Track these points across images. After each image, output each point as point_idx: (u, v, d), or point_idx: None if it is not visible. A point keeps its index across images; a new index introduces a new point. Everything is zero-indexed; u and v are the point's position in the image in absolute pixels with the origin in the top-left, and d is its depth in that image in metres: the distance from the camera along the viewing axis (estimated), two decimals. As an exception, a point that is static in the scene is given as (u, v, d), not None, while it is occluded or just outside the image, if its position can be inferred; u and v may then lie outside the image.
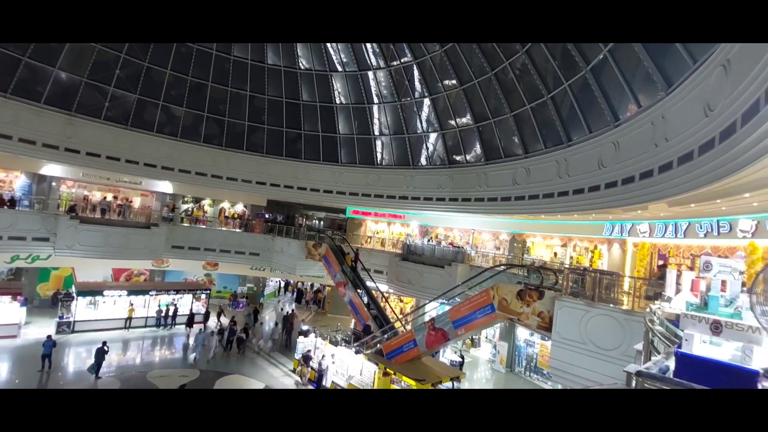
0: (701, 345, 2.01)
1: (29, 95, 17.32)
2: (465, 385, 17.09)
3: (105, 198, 21.50)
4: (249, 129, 23.40)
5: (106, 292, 19.56)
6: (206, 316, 22.03)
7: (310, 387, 15.11)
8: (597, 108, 12.96)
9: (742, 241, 10.59)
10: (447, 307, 13.90)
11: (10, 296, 17.12)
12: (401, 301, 24.31)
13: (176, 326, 20.87)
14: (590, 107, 13.35)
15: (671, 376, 1.55)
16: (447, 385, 15.30)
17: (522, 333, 18.92)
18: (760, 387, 1.40)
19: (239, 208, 26.42)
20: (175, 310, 21.11)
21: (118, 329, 19.14)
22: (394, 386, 13.94)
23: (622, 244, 15.26)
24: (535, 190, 15.77)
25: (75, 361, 15.75)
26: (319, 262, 20.63)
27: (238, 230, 24.46)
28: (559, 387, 14.17)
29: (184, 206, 24.90)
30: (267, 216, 25.52)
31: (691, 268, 11.24)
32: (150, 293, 20.86)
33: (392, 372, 13.83)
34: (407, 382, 13.33)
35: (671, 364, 1.61)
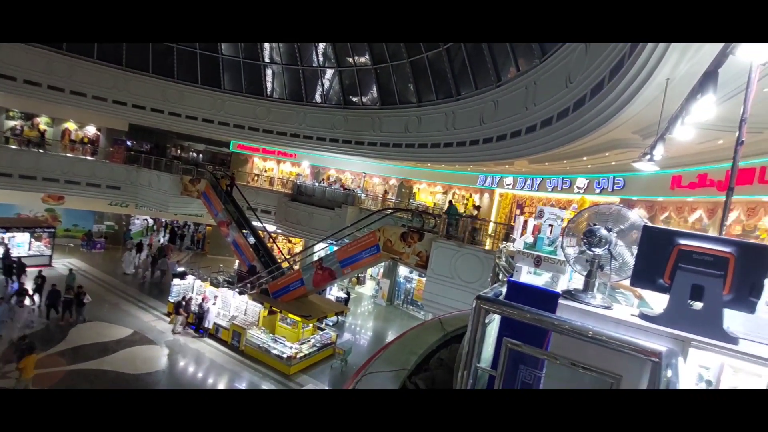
0: (527, 275, 2.49)
1: None
2: (349, 318, 18.39)
3: None
4: (102, 32, 18.79)
5: None
6: (20, 267, 16.28)
7: (189, 332, 14.37)
8: (484, 67, 13.82)
9: (577, 196, 13.05)
10: (335, 248, 14.31)
11: None
12: (290, 241, 24.13)
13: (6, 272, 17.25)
14: (479, 64, 14.16)
15: (503, 299, 1.85)
16: (332, 319, 16.24)
17: (403, 271, 20.77)
18: (559, 305, 1.77)
19: (91, 130, 21.86)
20: (6, 252, 17.30)
21: None
22: (280, 324, 14.20)
23: (491, 193, 17.40)
24: (425, 140, 16.59)
25: None
26: (197, 200, 18.83)
27: (89, 158, 20.43)
28: (431, 316, 16.22)
29: (10, 123, 19.57)
30: (129, 144, 21.79)
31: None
32: (-36, 231, 16.56)
33: (278, 310, 14.00)
34: (293, 319, 13.70)
35: (504, 289, 1.95)
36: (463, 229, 11.40)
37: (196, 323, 14.42)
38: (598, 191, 11.89)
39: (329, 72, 20.11)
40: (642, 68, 5.26)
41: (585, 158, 10.26)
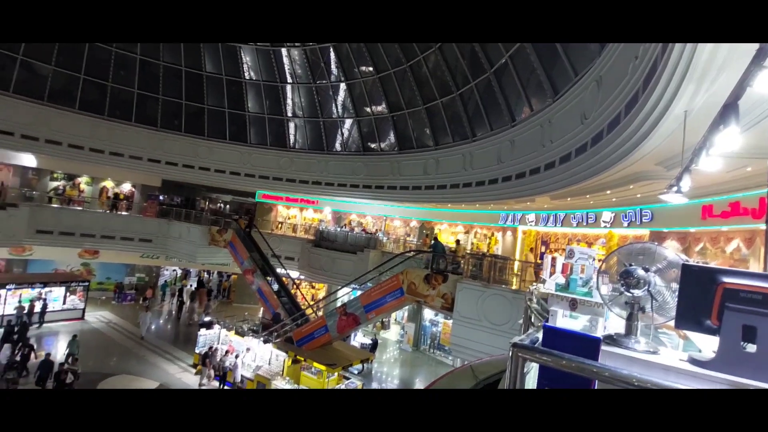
0: (563, 318, 2.40)
1: None
2: (375, 365, 17.78)
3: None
4: (139, 98, 20.53)
5: (-60, 288, 15.78)
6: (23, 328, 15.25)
7: (214, 384, 14.16)
8: (498, 108, 14.19)
9: (604, 230, 12.70)
10: (359, 293, 14.18)
11: None
12: (313, 287, 24.10)
13: (45, 324, 17.82)
14: (492, 106, 14.55)
15: (540, 346, 1.79)
16: (357, 367, 15.75)
17: (428, 314, 20.23)
18: (601, 351, 1.70)
19: (126, 187, 23.24)
20: (44, 306, 17.95)
21: (-41, 332, 15.61)
22: (304, 373, 13.86)
23: (513, 231, 17.14)
24: (443, 181, 16.78)
25: None
26: (224, 249, 19.31)
27: (124, 213, 21.55)
28: (459, 362, 15.52)
29: (54, 183, 21.08)
30: (162, 198, 22.94)
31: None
32: (7, 287, 17.39)
33: (302, 359, 13.73)
34: (318, 368, 13.36)
35: (540, 335, 1.88)
36: (488, 268, 11.16)
37: (221, 376, 14.22)
38: (625, 224, 11.55)
39: (348, 122, 21.03)
40: (658, 102, 5.29)
41: (609, 192, 10.09)
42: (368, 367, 17.19)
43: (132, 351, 16.44)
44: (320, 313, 15.73)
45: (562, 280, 3.22)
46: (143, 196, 22.98)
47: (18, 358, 13.41)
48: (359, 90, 19.95)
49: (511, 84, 13.39)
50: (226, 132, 22.12)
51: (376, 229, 21.94)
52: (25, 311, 17.36)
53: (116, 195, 22.34)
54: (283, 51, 20.64)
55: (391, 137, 19.65)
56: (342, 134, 21.43)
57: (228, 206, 25.35)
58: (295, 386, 13.41)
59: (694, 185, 5.34)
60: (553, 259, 4.60)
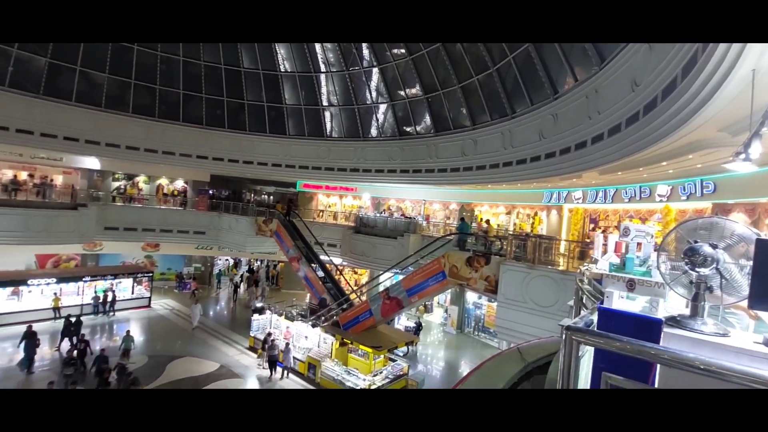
0: (619, 300, 2.30)
1: None
2: (419, 348, 18.04)
3: (16, 177, 19.13)
4: (185, 98, 21.61)
5: (30, 281, 17.81)
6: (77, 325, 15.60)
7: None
8: (538, 81, 13.50)
9: (659, 205, 11.87)
10: (401, 277, 14.35)
11: None
12: (356, 272, 24.64)
13: (116, 312, 19.67)
14: (532, 80, 13.87)
15: (595, 329, 1.76)
16: (402, 349, 16.06)
17: (471, 296, 20.10)
18: (663, 333, 1.63)
19: (179, 184, 24.75)
20: (113, 297, 19.78)
21: (47, 320, 17.60)
22: (352, 355, 14.34)
23: (559, 210, 16.46)
24: (482, 161, 16.36)
25: (1, 356, 14.39)
26: (270, 238, 20.16)
27: (179, 208, 23.02)
28: (505, 344, 15.39)
29: (116, 184, 22.87)
30: (211, 192, 24.21)
31: (618, 230, 12.51)
32: (83, 279, 19.30)
33: (349, 341, 14.20)
34: (364, 350, 13.77)
35: (595, 317, 1.84)
36: (533, 249, 10.85)
37: (272, 360, 14.72)
38: (684, 197, 10.72)
39: (382, 107, 20.92)
40: (720, 62, 4.81)
41: (665, 163, 9.38)
42: (413, 349, 17.47)
43: (194, 335, 17.77)
44: (364, 298, 16.11)
45: (616, 260, 3.09)
46: (194, 191, 24.38)
47: (75, 354, 13.91)
48: (392, 74, 19.72)
49: (552, 54, 12.67)
50: (266, 125, 22.79)
51: (416, 213, 21.92)
52: (100, 300, 19.24)
53: (171, 192, 23.93)
54: (315, 40, 20.75)
55: (427, 120, 19.35)
56: (377, 120, 21.39)
57: (271, 197, 26.30)
58: (344, 368, 13.94)
59: (766, 151, 4.86)
60: (605, 238, 4.39)
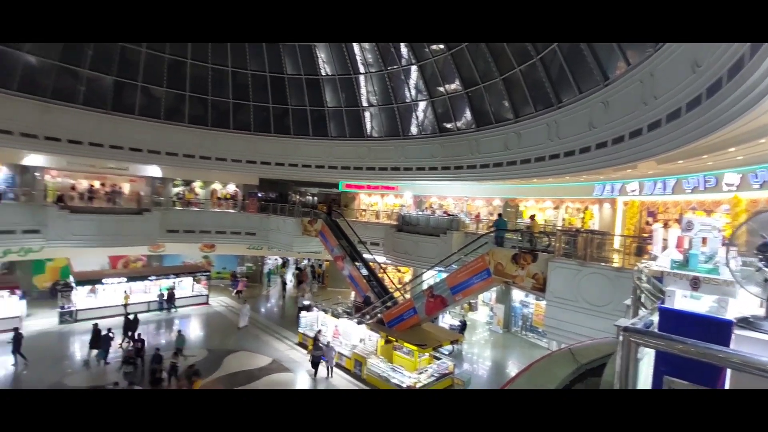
0: (682, 299, 2.17)
1: (1, 83, 16.59)
2: (465, 347, 17.83)
3: (92, 186, 21.17)
4: (234, 107, 22.81)
5: (105, 280, 19.67)
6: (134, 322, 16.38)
7: (322, 362, 15.20)
8: (586, 67, 12.83)
9: (727, 195, 10.86)
10: (444, 275, 14.26)
11: (7, 290, 17.14)
12: (399, 271, 24.78)
13: (177, 309, 21.17)
14: (579, 67, 13.20)
15: (655, 330, 1.69)
16: (447, 348, 15.96)
17: (517, 295, 19.53)
18: (734, 335, 1.54)
19: (231, 188, 26.18)
20: (170, 294, 21.19)
21: (120, 315, 19.32)
22: (397, 353, 14.47)
23: (612, 203, 15.54)
24: (527, 155, 15.83)
25: (82, 348, 15.99)
26: (315, 238, 20.78)
27: (231, 211, 24.38)
28: (556, 345, 14.84)
29: (175, 189, 24.63)
30: (260, 195, 25.37)
31: (679, 223, 11.59)
32: (149, 278, 21.00)
33: (394, 339, 14.33)
34: (409, 348, 13.85)
35: (655, 318, 1.76)
36: (584, 245, 10.35)
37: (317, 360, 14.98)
38: (756, 186, 9.73)
39: (422, 104, 20.84)
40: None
41: (732, 149, 8.57)
42: (458, 348, 17.29)
43: (248, 331, 18.76)
44: (408, 296, 16.18)
45: (678, 256, 2.90)
46: (245, 194, 25.68)
47: (133, 352, 14.34)
48: (431, 70, 19.57)
49: (601, 39, 11.96)
50: (309, 128, 23.51)
51: (459, 210, 21.63)
52: (164, 298, 20.83)
53: (224, 196, 25.45)
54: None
55: (467, 115, 19.01)
56: (416, 117, 21.33)
57: (315, 198, 27.06)
58: (389, 365, 14.10)
59: None
60: (665, 232, 4.12)
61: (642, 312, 2.98)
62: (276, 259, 29.34)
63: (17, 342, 14.05)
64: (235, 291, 24.44)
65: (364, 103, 22.57)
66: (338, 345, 15.65)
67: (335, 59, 22.00)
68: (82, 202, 19.83)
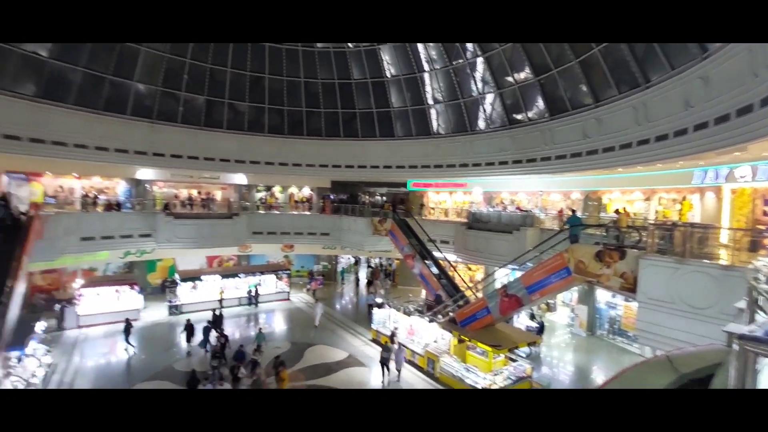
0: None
1: (117, 109, 19.46)
2: (543, 350, 16.93)
3: (190, 195, 23.98)
4: (307, 114, 24.22)
5: (203, 277, 22.16)
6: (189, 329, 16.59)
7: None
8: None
9: None
10: (519, 273, 13.70)
11: (128, 286, 20.17)
12: (470, 269, 24.29)
13: (261, 304, 23.02)
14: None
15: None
16: (524, 350, 15.31)
17: (603, 295, 18.04)
18: None
19: (306, 191, 27.86)
20: (256, 290, 23.13)
21: (215, 309, 21.54)
22: (470, 352, 14.25)
23: (716, 191, 13.61)
24: (610, 142, 14.55)
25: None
26: (386, 237, 21.23)
27: (307, 213, 25.95)
28: (650, 351, 13.48)
29: (258, 195, 26.88)
30: (332, 197, 26.62)
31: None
32: (239, 276, 23.21)
33: (467, 339, 14.13)
34: (482, 348, 13.56)
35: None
36: (683, 240, 9.24)
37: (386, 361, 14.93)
38: None
39: (489, 97, 20.19)
40: None
41: None
42: (536, 350, 16.49)
43: (325, 326, 19.83)
44: (480, 295, 15.82)
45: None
46: (318, 196, 27.16)
47: (219, 347, 15.08)
48: (498, 60, 18.87)
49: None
50: (376, 129, 24.09)
51: (533, 206, 20.57)
52: (252, 294, 22.87)
53: (301, 199, 27.23)
54: (418, 41, 21.14)
55: (540, 104, 17.99)
56: (484, 111, 20.71)
57: (384, 197, 27.61)
58: (463, 364, 13.94)
59: None
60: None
61: (761, 317, 2.64)
62: (349, 258, 30.55)
63: (127, 330, 16.29)
64: (307, 289, 25.86)
65: (430, 101, 22.50)
66: (410, 343, 15.86)
67: (399, 60, 22.23)
68: (183, 209, 22.58)
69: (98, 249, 19.34)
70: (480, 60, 19.60)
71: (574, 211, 14.15)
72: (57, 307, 19.10)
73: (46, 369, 13.95)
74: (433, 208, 24.62)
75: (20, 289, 13.34)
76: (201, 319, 17.91)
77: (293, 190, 27.75)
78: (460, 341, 14.42)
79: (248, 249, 25.45)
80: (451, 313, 15.39)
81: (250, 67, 22.27)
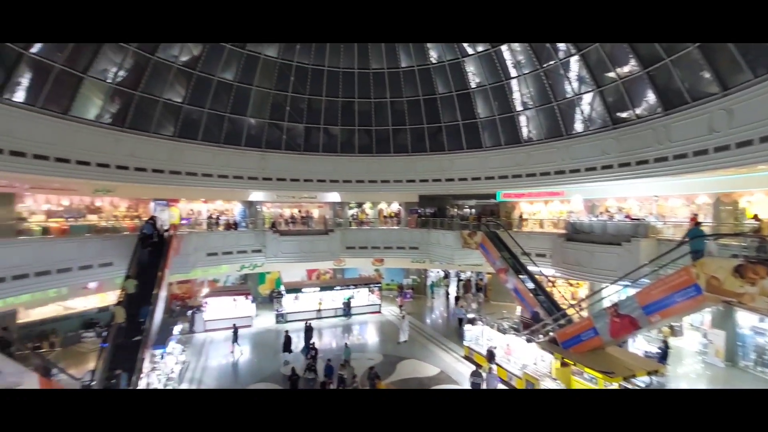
0: None
1: (234, 141, 22.55)
2: (670, 382, 14.56)
3: (293, 214, 26.44)
4: (393, 132, 25.08)
5: (304, 289, 24.05)
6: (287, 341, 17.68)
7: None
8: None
9: None
10: (632, 290, 12.11)
11: (243, 296, 22.84)
12: (571, 284, 22.20)
13: (354, 316, 24.01)
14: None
15: None
16: (642, 379, 13.36)
17: (746, 318, 14.93)
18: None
19: (395, 206, 28.63)
20: (350, 302, 24.17)
21: (313, 318, 23.13)
22: (576, 378, 12.92)
23: None
24: (746, 135, 12.24)
25: (299, 342, 19.57)
26: (476, 251, 20.64)
27: (396, 227, 26.59)
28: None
29: (350, 211, 28.45)
30: (419, 211, 26.89)
31: None
32: (335, 288, 24.65)
33: (572, 362, 12.87)
34: (591, 374, 12.19)
35: None
36: None
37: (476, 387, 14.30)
38: None
39: (587, 96, 18.58)
40: None
41: None
42: (658, 381, 14.22)
43: (416, 340, 19.87)
44: (585, 314, 14.34)
45: None
46: (406, 211, 27.69)
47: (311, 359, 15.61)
48: (596, 56, 17.33)
49: None
50: (462, 141, 23.83)
51: (647, 213, 18.11)
52: (348, 305, 24.06)
53: (389, 214, 28.11)
54: (503, 47, 20.55)
55: (650, 98, 15.97)
56: (581, 112, 19.08)
57: (473, 210, 26.95)
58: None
59: None
60: None
61: None
62: (438, 272, 30.31)
63: (235, 334, 18.47)
64: (399, 306, 25.31)
65: (519, 107, 21.55)
66: (506, 363, 15.01)
67: (485, 69, 21.83)
68: (287, 226, 24.98)
69: (220, 263, 22.39)
70: (574, 59, 18.24)
71: (697, 223, 11.97)
72: (189, 313, 22.51)
73: (181, 366, 16.45)
74: (526, 219, 23.21)
75: (163, 295, 16.13)
76: (301, 328, 19.28)
77: (382, 205, 28.76)
78: (563, 364, 13.18)
79: (342, 263, 26.94)
80: (551, 333, 14.22)
81: (342, 93, 23.98)
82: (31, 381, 7.65)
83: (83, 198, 19.02)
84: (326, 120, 24.42)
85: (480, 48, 21.28)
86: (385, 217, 28.12)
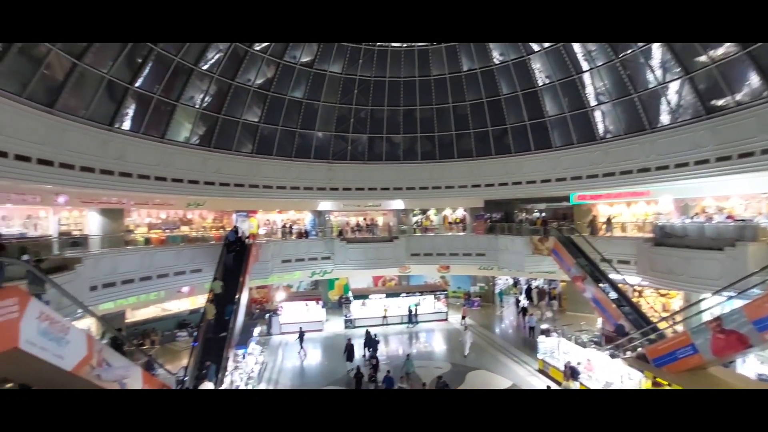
0: None
1: (304, 155, 23.91)
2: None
3: (358, 222, 27.22)
4: (457, 137, 24.76)
5: (371, 296, 24.53)
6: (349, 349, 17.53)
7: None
8: None
9: None
10: (740, 302, 10.54)
11: (314, 301, 23.91)
12: (661, 294, 19.90)
13: (419, 323, 23.85)
14: None
15: None
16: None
17: None
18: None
19: (460, 212, 28.12)
20: (416, 310, 24.02)
21: (379, 325, 23.42)
22: (671, 398, 11.51)
23: None
24: None
25: (357, 349, 20.02)
26: (548, 257, 19.47)
27: (461, 234, 26.07)
28: None
29: (414, 218, 28.52)
30: (486, 216, 26.10)
31: None
32: (401, 295, 24.79)
33: (666, 383, 11.50)
34: (690, 396, 10.79)
35: None
36: None
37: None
38: None
39: (674, 85, 16.73)
40: None
41: None
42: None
43: (485, 350, 19.20)
44: (680, 328, 12.77)
45: None
46: (472, 216, 27.06)
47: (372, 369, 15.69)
48: (684, 40, 15.54)
49: None
50: (530, 143, 22.76)
51: (755, 213, 15.69)
52: (413, 313, 24.03)
53: (455, 220, 27.67)
54: (573, 41, 19.34)
55: (752, 81, 13.95)
56: (667, 103, 17.22)
57: (543, 214, 25.50)
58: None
59: None
60: None
61: None
62: (507, 280, 29.05)
63: (301, 338, 19.44)
64: (462, 316, 23.93)
65: (593, 102, 20.06)
66: (587, 379, 13.88)
67: (553, 64, 20.72)
68: (353, 234, 25.76)
69: (293, 270, 23.72)
70: (657, 44, 16.56)
71: None
72: (266, 316, 24.12)
73: (261, 366, 17.64)
74: (604, 223, 21.33)
75: (245, 299, 17.50)
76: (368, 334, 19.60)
77: (447, 211, 28.41)
78: (656, 384, 11.83)
79: (407, 270, 27.01)
80: (640, 348, 12.87)
81: (403, 102, 24.30)
82: (136, 374, 8.72)
83: (177, 211, 21.46)
84: (389, 129, 24.88)
85: (546, 44, 20.25)
86: (450, 223, 27.74)
